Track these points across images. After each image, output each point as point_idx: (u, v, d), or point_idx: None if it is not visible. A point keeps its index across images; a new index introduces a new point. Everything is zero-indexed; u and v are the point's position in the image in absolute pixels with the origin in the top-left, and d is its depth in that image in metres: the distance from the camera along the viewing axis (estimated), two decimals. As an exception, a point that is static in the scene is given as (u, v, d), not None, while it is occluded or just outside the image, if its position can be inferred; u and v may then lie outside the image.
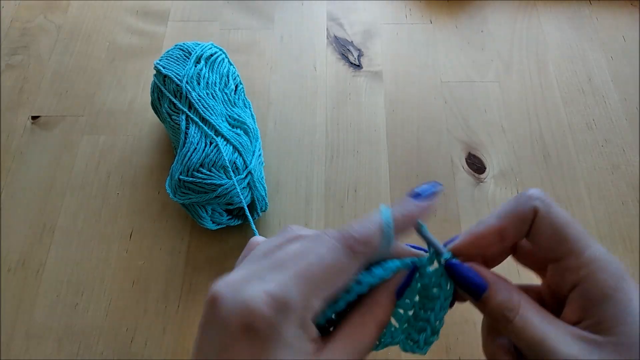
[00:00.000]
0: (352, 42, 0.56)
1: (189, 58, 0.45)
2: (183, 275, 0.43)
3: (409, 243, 0.27)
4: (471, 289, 0.25)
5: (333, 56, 0.55)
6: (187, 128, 0.42)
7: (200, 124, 0.42)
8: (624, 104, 0.51)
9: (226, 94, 0.46)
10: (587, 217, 0.45)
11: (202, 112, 0.42)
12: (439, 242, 0.26)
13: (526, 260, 0.27)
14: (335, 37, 0.57)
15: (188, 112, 0.43)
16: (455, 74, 0.54)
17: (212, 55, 0.46)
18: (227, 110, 0.45)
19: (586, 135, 0.50)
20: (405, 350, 0.28)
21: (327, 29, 0.57)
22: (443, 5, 0.59)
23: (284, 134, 0.50)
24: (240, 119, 0.45)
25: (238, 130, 0.44)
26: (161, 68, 0.45)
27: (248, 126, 0.45)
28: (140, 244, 0.44)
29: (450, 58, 0.55)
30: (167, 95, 0.44)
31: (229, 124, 0.44)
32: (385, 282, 0.26)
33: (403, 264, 0.26)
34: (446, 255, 0.26)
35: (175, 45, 0.47)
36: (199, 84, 0.44)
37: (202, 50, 0.46)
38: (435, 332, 0.28)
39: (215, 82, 0.45)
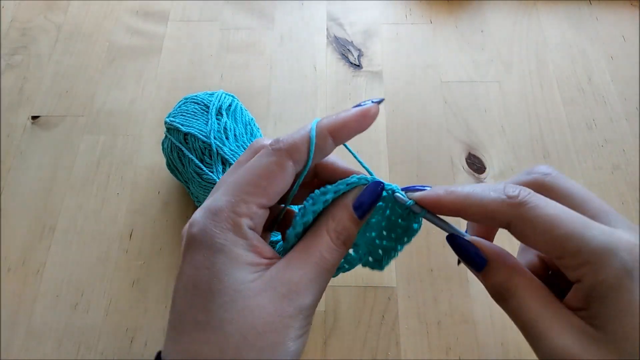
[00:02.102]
0: (352, 42, 0.56)
1: (207, 111, 0.42)
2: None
3: (413, 185, 0.27)
4: (471, 263, 0.25)
5: (333, 56, 0.55)
6: None
7: None
8: (624, 104, 0.51)
9: None
10: (587, 217, 0.45)
11: None
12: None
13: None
14: (335, 37, 0.57)
15: (223, 169, 0.40)
16: (455, 74, 0.54)
17: (230, 105, 0.44)
18: None
19: (586, 135, 0.50)
20: (365, 266, 0.29)
21: (327, 29, 0.57)
22: (443, 5, 0.59)
23: (283, 134, 0.50)
24: None
25: None
26: (180, 126, 0.41)
27: None
28: (140, 244, 0.44)
29: (450, 58, 0.55)
30: (192, 154, 0.41)
31: None
32: (341, 197, 0.25)
33: (359, 179, 0.26)
34: (415, 194, 0.26)
35: (185, 99, 0.44)
36: (227, 138, 0.42)
37: (219, 101, 0.43)
38: (396, 252, 0.28)
39: (242, 133, 0.43)
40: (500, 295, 0.23)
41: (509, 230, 0.23)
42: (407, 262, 0.43)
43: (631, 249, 0.21)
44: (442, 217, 0.26)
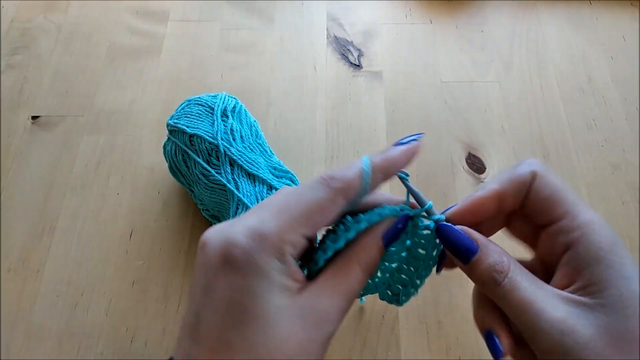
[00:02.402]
0: (352, 42, 0.56)
1: (212, 113, 0.42)
2: (183, 275, 0.43)
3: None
4: (461, 251, 0.25)
5: (333, 56, 0.55)
6: (237, 188, 0.39)
7: (249, 180, 0.40)
8: (624, 104, 0.51)
9: (259, 144, 0.43)
10: (587, 217, 0.45)
11: (247, 168, 0.40)
12: (422, 194, 0.26)
13: (519, 232, 0.27)
14: (335, 37, 0.57)
15: (231, 170, 0.40)
16: (455, 74, 0.54)
17: (234, 107, 0.43)
18: (267, 161, 0.42)
19: (586, 135, 0.50)
20: (382, 299, 0.29)
21: (327, 29, 0.57)
22: (443, 5, 0.59)
23: (284, 134, 0.50)
24: (283, 167, 0.43)
25: (285, 180, 0.42)
26: (185, 127, 0.41)
27: (292, 174, 0.43)
28: (140, 244, 0.44)
29: (450, 58, 0.55)
30: (198, 156, 0.41)
31: (274, 175, 0.42)
32: (372, 228, 0.26)
33: (391, 210, 0.26)
34: (438, 216, 0.26)
35: (189, 101, 0.44)
36: (234, 139, 0.41)
37: (223, 103, 0.43)
38: (415, 288, 0.28)
39: (248, 135, 0.43)
40: (493, 280, 0.23)
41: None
42: (407, 262, 0.43)
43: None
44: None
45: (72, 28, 0.58)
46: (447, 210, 0.27)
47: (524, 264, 0.26)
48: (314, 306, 0.23)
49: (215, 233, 0.23)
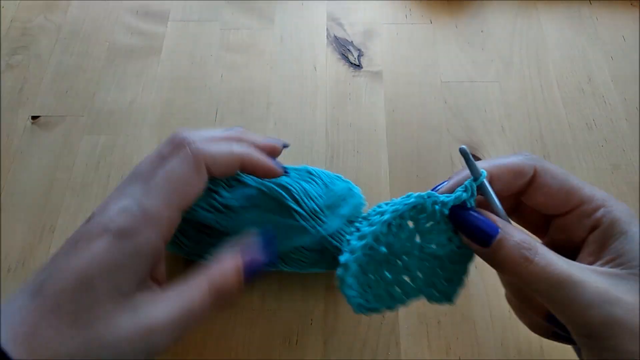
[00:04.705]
0: (352, 42, 0.56)
1: None
2: (183, 276, 0.43)
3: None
4: (482, 234, 0.23)
5: (333, 56, 0.55)
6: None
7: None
8: (624, 104, 0.51)
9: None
10: (587, 217, 0.45)
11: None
12: (477, 166, 0.26)
13: (526, 220, 0.27)
14: (335, 37, 0.57)
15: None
16: (455, 74, 0.54)
17: None
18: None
19: (586, 135, 0.50)
20: (432, 301, 0.27)
21: (327, 29, 0.57)
22: (443, 5, 0.59)
23: (284, 134, 0.50)
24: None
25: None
26: None
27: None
28: (140, 244, 0.44)
29: (450, 58, 0.55)
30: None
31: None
32: (234, 255, 0.26)
33: (417, 197, 0.24)
34: (483, 174, 0.25)
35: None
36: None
37: None
38: (462, 275, 0.26)
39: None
40: (524, 258, 0.22)
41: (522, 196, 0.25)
42: (407, 262, 0.43)
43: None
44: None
45: (72, 28, 0.58)
46: (437, 187, 0.26)
47: None
48: (148, 310, 0.23)
49: (102, 208, 0.24)
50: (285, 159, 0.48)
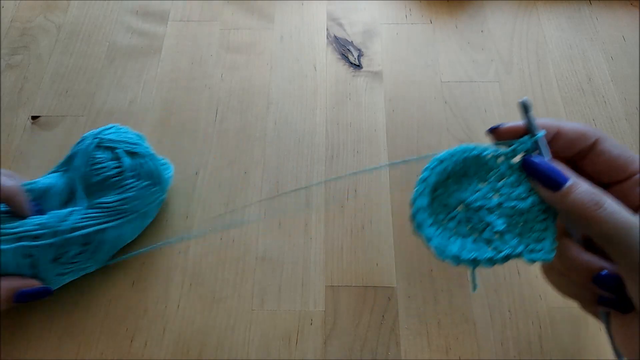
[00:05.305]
0: (352, 42, 0.56)
1: None
2: (183, 275, 0.43)
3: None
4: (554, 178, 0.25)
5: (333, 56, 0.55)
6: None
7: None
8: (624, 104, 0.51)
9: None
10: (587, 217, 0.45)
11: None
12: (535, 124, 0.27)
13: None
14: (335, 37, 0.57)
15: None
16: (455, 74, 0.54)
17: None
18: None
19: (586, 135, 0.50)
20: (531, 260, 0.27)
21: (327, 29, 0.57)
22: (443, 5, 0.59)
23: (284, 134, 0.50)
24: None
25: None
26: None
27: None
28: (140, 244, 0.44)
29: (450, 58, 0.55)
30: None
31: None
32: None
33: (480, 149, 0.27)
34: (540, 134, 0.26)
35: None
36: None
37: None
38: (551, 224, 0.27)
39: None
40: (595, 202, 0.24)
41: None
42: (407, 262, 0.43)
43: None
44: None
45: (72, 28, 0.58)
46: (495, 127, 0.28)
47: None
48: None
49: None
50: (285, 159, 0.49)
